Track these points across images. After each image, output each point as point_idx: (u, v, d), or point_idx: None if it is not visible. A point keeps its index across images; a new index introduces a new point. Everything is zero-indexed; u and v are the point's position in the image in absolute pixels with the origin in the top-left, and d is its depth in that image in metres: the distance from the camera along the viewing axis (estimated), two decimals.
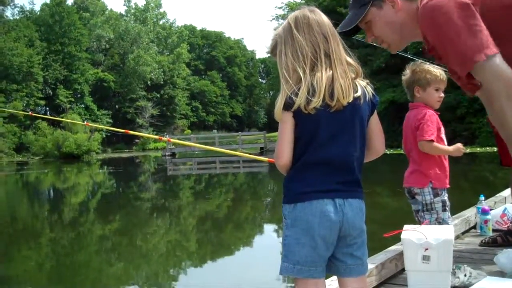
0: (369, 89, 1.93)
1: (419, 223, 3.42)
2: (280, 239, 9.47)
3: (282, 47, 1.91)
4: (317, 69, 1.85)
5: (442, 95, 3.54)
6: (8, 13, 71.17)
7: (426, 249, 2.83)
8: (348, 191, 1.87)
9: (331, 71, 1.84)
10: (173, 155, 43.22)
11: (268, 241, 9.44)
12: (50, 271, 8.00)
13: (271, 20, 52.06)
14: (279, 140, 1.89)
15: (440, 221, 3.45)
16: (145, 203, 15.58)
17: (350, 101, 1.84)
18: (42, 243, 10.30)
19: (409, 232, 2.92)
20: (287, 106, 1.83)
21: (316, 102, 1.80)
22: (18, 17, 66.53)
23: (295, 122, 1.85)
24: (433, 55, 2.15)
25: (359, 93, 1.87)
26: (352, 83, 1.87)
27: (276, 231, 10.16)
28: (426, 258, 2.85)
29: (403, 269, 3.25)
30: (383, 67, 34.17)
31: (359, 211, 1.89)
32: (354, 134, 1.89)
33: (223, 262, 7.96)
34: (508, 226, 4.11)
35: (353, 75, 1.90)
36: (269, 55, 2.10)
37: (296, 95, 1.82)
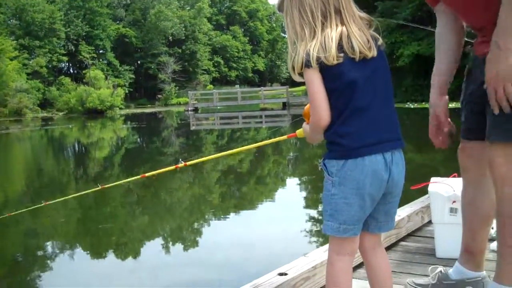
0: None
1: None
2: (303, 193, 9.50)
3: (289, 4, 1.79)
4: (326, 25, 1.74)
5: None
6: None
7: (454, 201, 2.79)
8: (394, 140, 1.80)
9: (343, 27, 1.74)
10: (195, 110, 43.30)
11: (291, 196, 9.46)
12: (77, 224, 8.15)
13: None
14: (314, 100, 1.76)
15: None
16: (168, 158, 15.69)
17: (375, 55, 1.76)
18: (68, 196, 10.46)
19: (437, 185, 2.88)
20: (308, 64, 1.72)
21: (332, 56, 1.70)
22: None
23: (323, 76, 1.73)
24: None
25: (380, 40, 1.80)
26: (371, 34, 1.78)
27: (299, 185, 10.19)
28: (453, 211, 2.81)
29: (430, 222, 3.22)
30: (409, 20, 33.33)
31: (402, 168, 1.82)
32: (386, 77, 1.82)
33: (246, 216, 8.01)
34: None
35: (368, 27, 1.80)
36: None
37: (308, 54, 1.71)
